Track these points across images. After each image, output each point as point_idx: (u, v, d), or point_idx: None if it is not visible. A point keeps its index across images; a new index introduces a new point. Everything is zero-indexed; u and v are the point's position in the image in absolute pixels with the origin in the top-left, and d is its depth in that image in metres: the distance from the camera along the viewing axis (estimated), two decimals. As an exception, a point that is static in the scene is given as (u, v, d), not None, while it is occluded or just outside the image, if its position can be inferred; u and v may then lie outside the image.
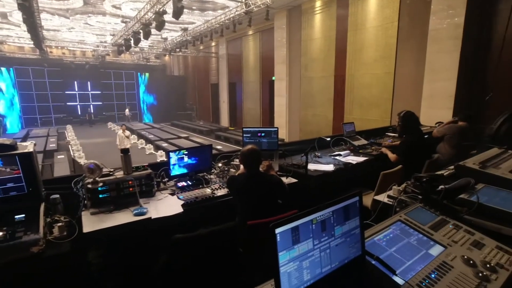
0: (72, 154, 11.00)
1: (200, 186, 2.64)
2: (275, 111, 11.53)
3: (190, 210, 2.24)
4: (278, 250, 0.84)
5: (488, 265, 1.08)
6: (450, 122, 4.21)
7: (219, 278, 1.92)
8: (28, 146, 2.01)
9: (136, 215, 2.09)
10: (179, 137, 14.38)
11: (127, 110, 22.58)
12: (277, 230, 0.84)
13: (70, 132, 16.47)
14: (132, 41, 11.23)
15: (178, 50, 16.06)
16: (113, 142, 10.29)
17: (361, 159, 3.58)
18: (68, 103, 21.47)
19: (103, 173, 2.23)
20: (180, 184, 2.64)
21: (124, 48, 12.37)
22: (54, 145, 12.47)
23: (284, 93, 10.82)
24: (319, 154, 3.73)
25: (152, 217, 2.08)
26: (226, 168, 2.97)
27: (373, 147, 4.05)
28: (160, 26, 8.53)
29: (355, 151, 3.92)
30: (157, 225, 2.05)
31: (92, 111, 21.60)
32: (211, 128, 16.49)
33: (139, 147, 12.36)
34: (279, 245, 0.84)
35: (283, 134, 10.71)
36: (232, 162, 3.11)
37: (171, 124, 20.44)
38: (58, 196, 2.05)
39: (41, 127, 19.54)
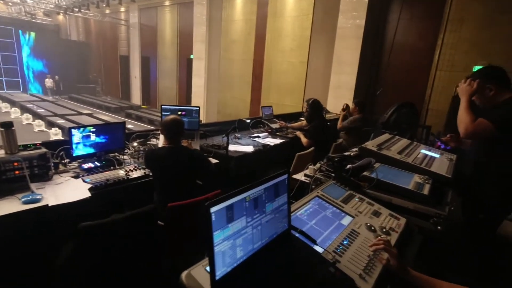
0: None
1: (112, 167, 2.36)
2: (193, 91, 11.09)
3: (99, 194, 1.98)
4: (213, 230, 0.81)
5: (384, 229, 1.30)
6: (343, 115, 4.46)
7: (138, 266, 1.78)
8: None
9: (26, 203, 1.73)
10: (80, 113, 12.48)
11: (48, 79, 17.37)
12: (212, 209, 0.80)
13: None
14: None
15: (76, 10, 13.62)
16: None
17: (278, 141, 3.79)
18: None
19: (-25, 152, 1.76)
20: (86, 165, 2.30)
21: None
22: None
23: (202, 73, 10.47)
24: (239, 136, 3.79)
25: (50, 205, 1.76)
26: (142, 148, 2.73)
27: (288, 130, 4.33)
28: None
29: (273, 133, 4.13)
30: (57, 214, 1.74)
31: None
32: (121, 105, 14.81)
33: (24, 123, 10.10)
34: (214, 225, 0.81)
35: (200, 115, 10.44)
36: (149, 142, 2.88)
37: (68, 97, 17.48)
38: None
39: None
